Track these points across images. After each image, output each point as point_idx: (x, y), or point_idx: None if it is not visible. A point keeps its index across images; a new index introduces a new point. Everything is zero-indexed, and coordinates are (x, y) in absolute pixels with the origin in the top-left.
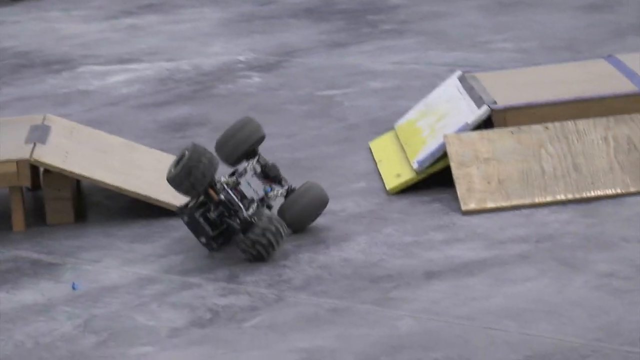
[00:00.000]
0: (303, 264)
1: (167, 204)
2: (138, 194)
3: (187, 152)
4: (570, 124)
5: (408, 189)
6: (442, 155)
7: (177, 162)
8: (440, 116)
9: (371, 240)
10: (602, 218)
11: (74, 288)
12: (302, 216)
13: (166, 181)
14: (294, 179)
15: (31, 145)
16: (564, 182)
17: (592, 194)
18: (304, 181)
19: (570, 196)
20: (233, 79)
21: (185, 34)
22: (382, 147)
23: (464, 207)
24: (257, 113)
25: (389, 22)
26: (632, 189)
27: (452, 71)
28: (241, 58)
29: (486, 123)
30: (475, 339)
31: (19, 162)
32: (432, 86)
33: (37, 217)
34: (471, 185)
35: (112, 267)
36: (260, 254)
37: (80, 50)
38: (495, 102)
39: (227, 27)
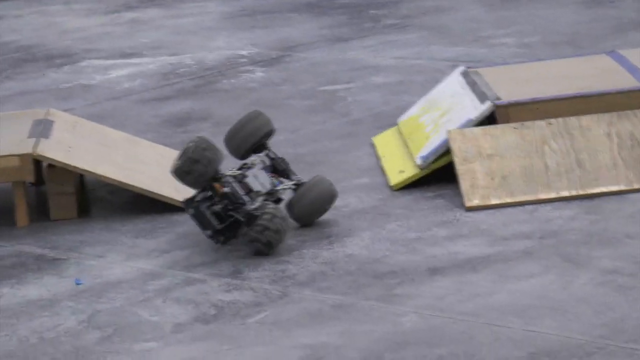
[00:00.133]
0: (307, 259)
1: (171, 199)
2: (142, 189)
3: (191, 144)
4: (573, 120)
5: (411, 185)
6: (445, 151)
7: (182, 154)
8: (443, 112)
9: (375, 236)
10: (606, 214)
11: (77, 283)
12: (311, 210)
13: (170, 176)
14: (297, 175)
15: (34, 140)
16: (568, 179)
17: (596, 190)
18: (307, 176)
19: (573, 192)
20: (235, 73)
21: (187, 28)
22: (385, 143)
23: (467, 203)
24: (260, 108)
25: (391, 16)
26: (635, 185)
27: (454, 66)
28: (244, 53)
29: (489, 119)
30: (480, 336)
31: (22, 157)
32: (434, 81)
33: (40, 212)
34: (475, 181)
35: (116, 262)
36: (270, 242)
37: (83, 44)
38: (498, 98)
39: (230, 22)
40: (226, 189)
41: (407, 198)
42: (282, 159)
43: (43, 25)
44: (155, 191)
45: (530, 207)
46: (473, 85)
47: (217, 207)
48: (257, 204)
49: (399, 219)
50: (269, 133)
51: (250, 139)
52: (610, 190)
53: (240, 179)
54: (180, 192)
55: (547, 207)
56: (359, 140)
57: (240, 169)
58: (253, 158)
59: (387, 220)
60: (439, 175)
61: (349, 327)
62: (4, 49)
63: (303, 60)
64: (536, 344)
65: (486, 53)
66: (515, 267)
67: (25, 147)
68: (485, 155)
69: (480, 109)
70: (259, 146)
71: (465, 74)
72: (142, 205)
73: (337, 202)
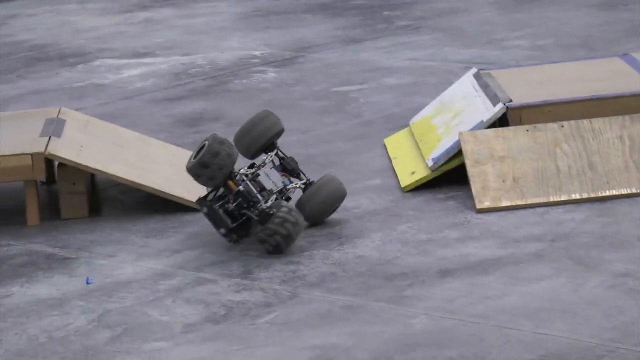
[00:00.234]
0: (317, 260)
1: (183, 199)
2: (153, 189)
3: (207, 143)
4: (585, 123)
5: (423, 186)
6: (457, 153)
7: (197, 152)
8: (455, 113)
9: (386, 238)
10: (618, 217)
11: (87, 282)
12: (321, 209)
13: (181, 176)
14: (308, 175)
15: (46, 139)
16: (579, 181)
17: (608, 193)
18: (318, 177)
19: (585, 195)
20: (248, 74)
21: (200, 28)
22: (397, 144)
23: (478, 205)
24: (272, 108)
25: (404, 18)
26: None
27: (467, 68)
28: (256, 53)
29: (501, 121)
30: (490, 338)
31: (33, 156)
32: (447, 83)
33: (51, 211)
34: (486, 183)
35: (127, 262)
36: (279, 244)
37: (96, 43)
38: (510, 100)
39: (243, 22)
40: (240, 187)
41: (418, 200)
42: (292, 158)
43: (57, 25)
44: (167, 191)
45: (541, 210)
46: (485, 87)
47: (231, 206)
48: (270, 202)
49: (410, 221)
50: (279, 133)
51: (261, 139)
52: (622, 193)
53: (253, 178)
54: (192, 192)
55: (559, 210)
56: (370, 141)
57: (251, 167)
58: (263, 157)
59: (398, 221)
60: (450, 177)
61: (359, 328)
62: (18, 47)
63: (316, 61)
64: (546, 346)
65: (499, 55)
66: (526, 270)
67: (37, 146)
68: (497, 157)
69: (492, 111)
70: (269, 146)
71: (477, 76)
72: (153, 205)
73: (348, 203)
